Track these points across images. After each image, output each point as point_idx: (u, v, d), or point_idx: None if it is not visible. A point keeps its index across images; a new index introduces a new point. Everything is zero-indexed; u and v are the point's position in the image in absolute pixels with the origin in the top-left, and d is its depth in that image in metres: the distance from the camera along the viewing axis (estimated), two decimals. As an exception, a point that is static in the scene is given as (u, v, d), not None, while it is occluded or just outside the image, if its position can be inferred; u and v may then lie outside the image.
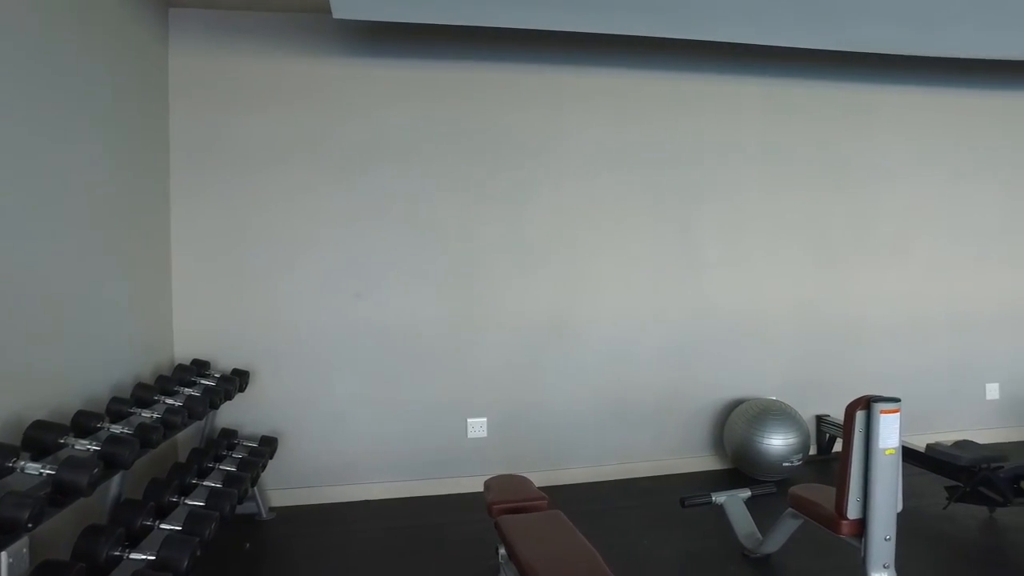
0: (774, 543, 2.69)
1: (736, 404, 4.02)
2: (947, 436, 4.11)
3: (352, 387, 3.59)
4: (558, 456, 3.84)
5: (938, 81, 4.41)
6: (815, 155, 4.22)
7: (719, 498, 2.88)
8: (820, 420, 4.18)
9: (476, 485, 3.64)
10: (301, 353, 3.54)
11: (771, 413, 3.71)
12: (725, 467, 4.03)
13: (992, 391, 4.56)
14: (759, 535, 2.79)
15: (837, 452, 4.17)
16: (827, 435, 4.15)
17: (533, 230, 3.79)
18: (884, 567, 2.15)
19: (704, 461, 4.04)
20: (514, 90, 3.76)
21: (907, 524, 3.03)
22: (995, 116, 4.55)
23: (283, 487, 3.52)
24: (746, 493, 2.92)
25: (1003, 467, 3.00)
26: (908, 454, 3.34)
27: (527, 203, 3.78)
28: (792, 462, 3.64)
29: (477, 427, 3.72)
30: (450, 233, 3.70)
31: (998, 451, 3.15)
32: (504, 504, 2.28)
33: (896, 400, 2.16)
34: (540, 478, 3.76)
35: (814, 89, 4.20)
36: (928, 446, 3.31)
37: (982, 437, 4.38)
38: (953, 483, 3.16)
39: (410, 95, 3.64)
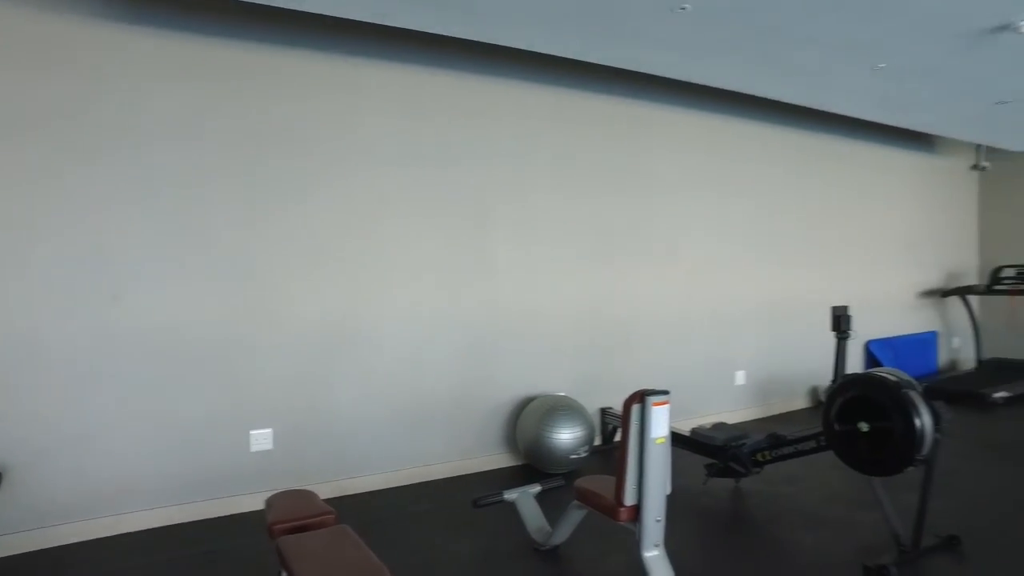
0: (561, 535, 2.81)
1: (528, 401, 4.17)
2: (708, 419, 4.63)
3: (109, 402, 3.09)
4: (351, 465, 3.67)
5: (706, 107, 5.00)
6: (600, 163, 4.53)
7: (510, 495, 2.94)
8: (604, 412, 4.50)
9: (261, 502, 3.34)
10: (42, 366, 2.96)
11: (559, 409, 3.89)
12: (519, 463, 4.16)
13: (740, 378, 5.29)
14: (549, 528, 2.89)
15: (619, 440, 4.52)
16: (610, 425, 4.47)
17: (319, 224, 3.57)
18: (655, 546, 2.34)
19: (499, 459, 4.13)
20: (302, 76, 3.51)
21: (675, 503, 3.33)
22: (751, 140, 5.28)
23: (12, 532, 2.90)
24: (536, 488, 3.02)
25: (745, 444, 3.47)
26: (677, 439, 3.70)
27: (313, 195, 3.55)
28: (579, 454, 3.85)
29: (261, 439, 3.42)
30: (226, 225, 3.34)
31: (742, 430, 3.66)
32: (285, 523, 2.09)
33: (665, 393, 2.35)
34: (332, 489, 3.56)
35: (600, 102, 4.51)
36: (692, 430, 3.72)
37: (733, 418, 5.05)
38: (711, 461, 3.58)
39: (184, 72, 3.23)
